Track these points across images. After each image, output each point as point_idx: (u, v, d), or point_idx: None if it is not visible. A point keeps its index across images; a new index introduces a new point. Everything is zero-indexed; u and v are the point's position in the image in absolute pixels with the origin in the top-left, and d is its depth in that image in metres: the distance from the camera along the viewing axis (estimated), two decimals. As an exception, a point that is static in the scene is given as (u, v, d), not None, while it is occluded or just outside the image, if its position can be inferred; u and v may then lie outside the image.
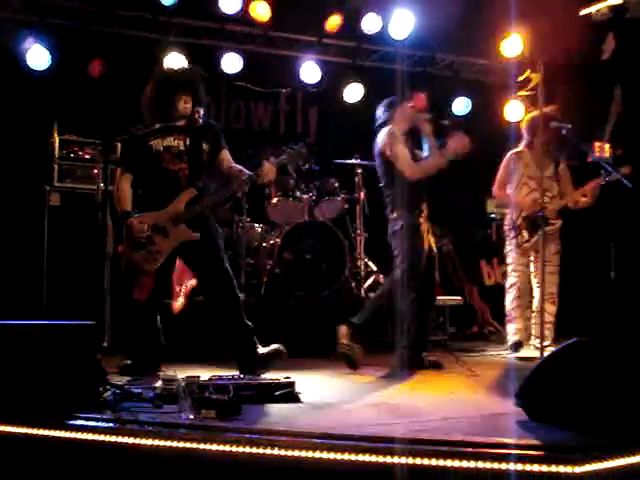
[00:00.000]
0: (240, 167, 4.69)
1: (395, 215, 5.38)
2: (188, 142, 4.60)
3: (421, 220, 5.38)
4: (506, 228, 6.18)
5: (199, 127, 4.66)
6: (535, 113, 6.00)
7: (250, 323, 4.61)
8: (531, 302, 6.01)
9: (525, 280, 6.06)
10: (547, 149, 5.90)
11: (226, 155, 4.77)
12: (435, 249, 5.59)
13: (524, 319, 6.00)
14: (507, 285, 6.17)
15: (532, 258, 6.03)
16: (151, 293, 4.55)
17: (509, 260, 6.17)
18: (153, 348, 4.72)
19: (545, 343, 5.45)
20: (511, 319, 6.07)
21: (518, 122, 6.44)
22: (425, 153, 5.42)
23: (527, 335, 5.99)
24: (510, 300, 6.09)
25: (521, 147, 6.18)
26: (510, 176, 6.16)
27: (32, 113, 6.74)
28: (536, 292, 5.91)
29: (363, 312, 5.30)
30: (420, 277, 5.23)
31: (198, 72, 4.85)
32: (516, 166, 6.12)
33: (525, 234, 5.98)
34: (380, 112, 5.59)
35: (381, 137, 5.38)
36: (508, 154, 6.21)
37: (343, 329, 5.21)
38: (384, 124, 5.45)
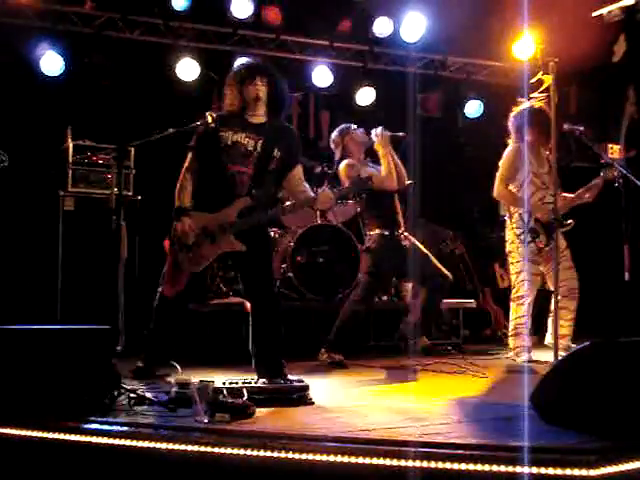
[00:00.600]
0: (305, 188, 4.59)
1: (371, 233, 5.81)
2: (260, 145, 4.42)
3: (397, 233, 5.75)
4: (517, 232, 5.66)
5: (277, 129, 4.51)
6: (521, 107, 5.90)
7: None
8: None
9: (535, 290, 5.71)
10: (541, 144, 5.80)
11: (297, 173, 4.58)
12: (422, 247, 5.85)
13: (530, 333, 5.72)
14: (515, 295, 5.74)
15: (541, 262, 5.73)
16: (180, 293, 4.50)
17: (518, 268, 5.70)
18: (165, 348, 4.67)
19: (566, 340, 5.43)
20: (518, 334, 5.70)
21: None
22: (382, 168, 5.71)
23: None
24: (519, 315, 5.69)
25: (516, 142, 5.80)
26: (517, 172, 5.70)
27: (46, 119, 6.79)
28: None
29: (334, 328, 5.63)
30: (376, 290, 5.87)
31: (271, 66, 4.70)
32: (521, 163, 5.68)
33: (543, 238, 5.59)
34: (333, 147, 5.95)
35: (344, 173, 5.69)
36: (511, 147, 5.78)
37: (322, 354, 5.57)
38: (342, 159, 5.79)
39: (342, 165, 5.73)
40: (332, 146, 5.91)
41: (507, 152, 5.78)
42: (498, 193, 5.74)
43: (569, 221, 5.66)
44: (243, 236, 4.39)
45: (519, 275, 5.70)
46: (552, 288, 5.43)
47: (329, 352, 5.53)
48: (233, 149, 4.40)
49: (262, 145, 4.42)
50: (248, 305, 4.70)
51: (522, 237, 5.62)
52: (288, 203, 4.69)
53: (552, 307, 5.44)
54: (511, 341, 5.79)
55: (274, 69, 4.64)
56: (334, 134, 5.90)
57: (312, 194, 4.56)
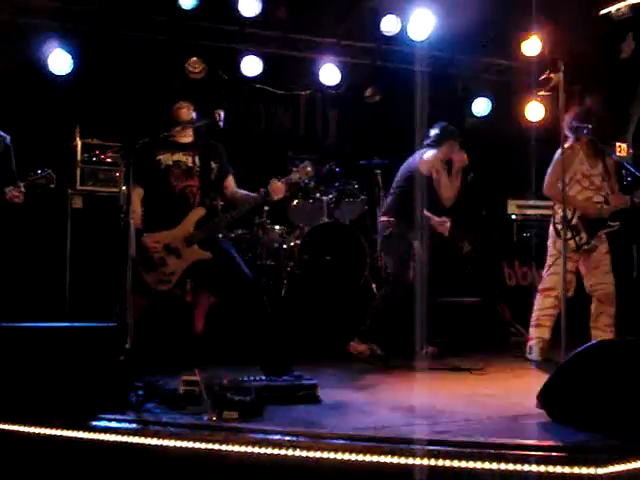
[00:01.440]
0: (244, 192, 4.76)
1: (386, 219, 5.86)
2: (197, 159, 4.61)
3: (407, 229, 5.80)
4: (558, 227, 5.58)
5: (207, 145, 4.70)
6: (575, 109, 5.77)
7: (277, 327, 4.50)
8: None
9: (564, 287, 5.38)
10: (595, 145, 5.75)
11: (231, 181, 4.80)
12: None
13: (551, 329, 5.81)
14: (542, 287, 5.76)
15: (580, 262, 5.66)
16: (142, 314, 4.49)
17: (550, 262, 5.70)
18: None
19: None
20: (539, 325, 5.71)
21: (538, 122, 6.23)
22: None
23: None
24: (544, 307, 5.67)
25: (571, 143, 5.73)
26: (566, 171, 5.53)
27: (54, 117, 6.80)
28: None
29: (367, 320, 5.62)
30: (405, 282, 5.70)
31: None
32: (570, 162, 5.64)
33: (584, 235, 5.56)
34: (434, 132, 5.93)
35: (428, 155, 5.78)
36: (560, 150, 5.54)
37: (353, 343, 5.58)
38: (433, 144, 5.86)
39: (432, 151, 5.85)
40: (432, 131, 5.95)
41: (560, 150, 5.62)
42: (549, 189, 5.72)
43: (615, 222, 5.62)
44: (206, 244, 4.50)
45: (550, 268, 5.71)
46: (588, 289, 5.60)
47: (367, 343, 5.58)
48: (175, 168, 4.56)
49: (199, 159, 4.62)
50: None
51: (557, 233, 5.59)
52: (241, 205, 4.71)
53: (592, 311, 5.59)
54: (531, 330, 5.81)
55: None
56: (442, 124, 5.97)
57: (252, 194, 4.69)
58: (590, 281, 5.57)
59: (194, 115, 4.65)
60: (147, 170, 4.54)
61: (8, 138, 5.29)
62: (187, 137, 4.68)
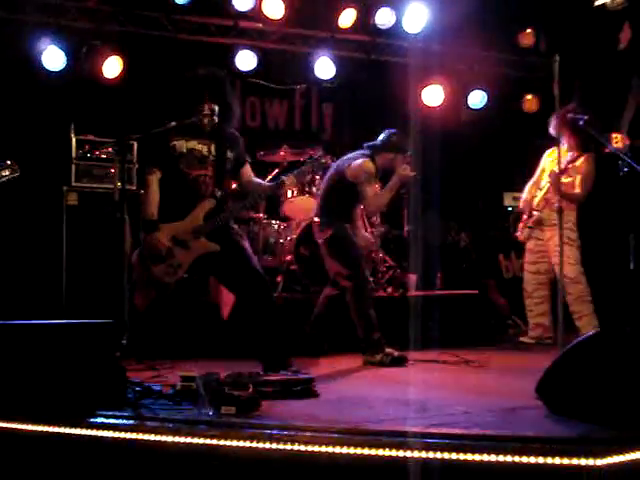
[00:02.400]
0: (259, 181, 4.76)
1: (324, 221, 5.59)
2: (213, 148, 4.56)
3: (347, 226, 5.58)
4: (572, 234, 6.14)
5: (225, 134, 4.63)
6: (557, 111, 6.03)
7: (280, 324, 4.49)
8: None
9: (531, 280, 6.30)
10: (572, 144, 5.95)
11: (248, 169, 4.77)
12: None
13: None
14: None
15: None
16: (150, 304, 4.54)
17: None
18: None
19: None
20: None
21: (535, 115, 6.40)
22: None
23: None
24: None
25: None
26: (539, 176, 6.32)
27: (49, 114, 6.77)
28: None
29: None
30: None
31: (226, 76, 4.75)
32: (545, 163, 6.25)
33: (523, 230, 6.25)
34: (380, 137, 5.63)
35: (356, 164, 5.46)
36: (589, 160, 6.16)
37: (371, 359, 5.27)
38: (369, 151, 5.57)
39: (363, 160, 5.52)
40: (381, 136, 5.66)
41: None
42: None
43: (538, 212, 6.22)
44: (214, 236, 4.48)
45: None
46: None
47: (380, 352, 5.23)
48: (189, 156, 4.51)
49: (215, 149, 4.56)
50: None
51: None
52: (252, 195, 4.71)
53: None
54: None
55: (226, 81, 4.68)
56: (391, 131, 5.63)
57: (265, 184, 4.76)
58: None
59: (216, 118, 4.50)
60: (162, 155, 4.50)
61: None
62: (204, 124, 4.53)
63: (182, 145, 4.50)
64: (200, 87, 4.54)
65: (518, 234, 6.30)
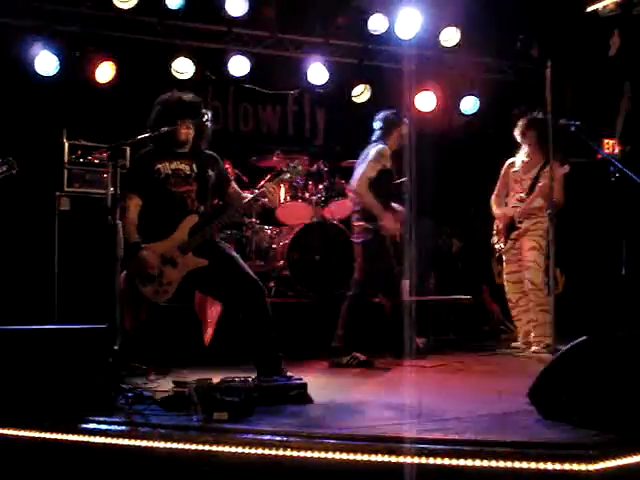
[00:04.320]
0: (244, 195, 4.78)
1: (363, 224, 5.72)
2: (195, 167, 4.59)
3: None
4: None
5: (203, 155, 4.68)
6: (524, 118, 6.26)
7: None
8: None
9: (513, 289, 6.27)
10: (534, 152, 6.02)
11: (234, 187, 4.84)
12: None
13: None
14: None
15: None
16: (140, 325, 4.52)
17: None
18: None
19: None
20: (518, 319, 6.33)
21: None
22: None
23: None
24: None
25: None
26: (503, 188, 6.38)
27: (41, 119, 6.76)
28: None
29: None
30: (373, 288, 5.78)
31: (201, 101, 4.80)
32: (507, 174, 6.34)
33: (503, 239, 6.24)
34: (378, 126, 5.86)
35: (374, 153, 5.68)
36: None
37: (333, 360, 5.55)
38: (381, 138, 5.80)
39: (379, 147, 5.75)
40: (375, 125, 5.90)
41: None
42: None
43: (523, 223, 6.15)
44: (201, 251, 4.48)
45: None
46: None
47: (347, 354, 5.53)
48: (174, 176, 4.54)
49: (197, 167, 4.60)
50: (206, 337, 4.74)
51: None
52: (232, 209, 4.72)
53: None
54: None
55: (201, 106, 4.74)
56: (382, 114, 5.89)
57: (247, 196, 4.72)
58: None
59: (192, 134, 4.60)
60: (146, 179, 4.52)
61: None
62: (184, 147, 4.63)
63: (166, 167, 4.53)
64: (177, 110, 4.57)
65: (499, 247, 6.29)
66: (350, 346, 5.55)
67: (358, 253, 5.81)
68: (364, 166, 5.65)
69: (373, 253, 5.68)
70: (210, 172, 4.64)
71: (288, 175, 4.82)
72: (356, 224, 5.84)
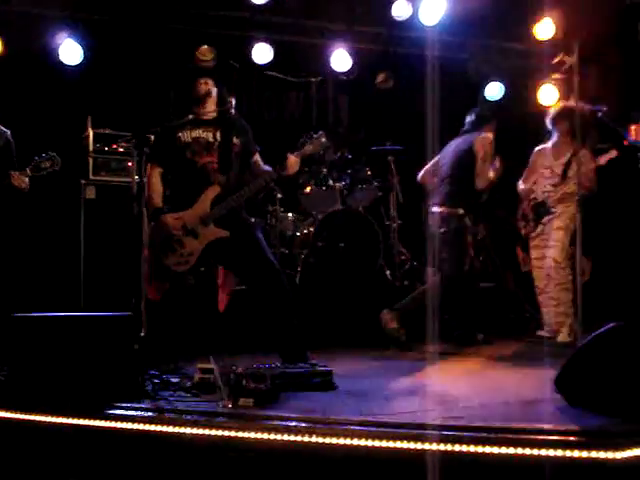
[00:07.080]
0: (267, 168, 4.71)
1: (444, 210, 5.82)
2: (219, 135, 4.57)
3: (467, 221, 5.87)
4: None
5: (232, 121, 4.64)
6: (558, 106, 6.23)
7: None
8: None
9: (540, 275, 6.13)
10: (565, 140, 5.95)
11: (258, 159, 4.77)
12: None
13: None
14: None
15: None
16: (164, 297, 4.54)
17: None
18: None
19: None
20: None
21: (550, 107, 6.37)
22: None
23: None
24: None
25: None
26: (531, 174, 6.30)
27: (66, 108, 6.80)
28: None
29: (407, 300, 5.59)
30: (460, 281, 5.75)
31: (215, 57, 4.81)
32: (536, 161, 6.27)
33: (532, 224, 6.16)
34: (476, 117, 6.16)
35: (482, 138, 5.93)
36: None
37: (388, 315, 5.47)
38: (476, 128, 6.05)
39: (486, 135, 5.99)
40: (469, 118, 6.17)
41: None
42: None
43: (556, 209, 6.04)
44: (223, 223, 4.48)
45: None
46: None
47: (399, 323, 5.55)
48: (195, 144, 4.55)
49: (220, 135, 4.58)
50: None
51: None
52: (255, 180, 4.66)
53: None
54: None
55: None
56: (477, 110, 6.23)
57: (268, 170, 4.67)
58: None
59: (214, 90, 4.63)
60: (167, 148, 4.55)
61: (8, 133, 5.25)
62: (210, 113, 4.63)
63: (187, 135, 4.55)
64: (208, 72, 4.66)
65: (528, 230, 6.21)
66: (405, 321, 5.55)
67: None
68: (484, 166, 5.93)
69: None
70: (235, 140, 4.60)
71: (311, 147, 4.71)
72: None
